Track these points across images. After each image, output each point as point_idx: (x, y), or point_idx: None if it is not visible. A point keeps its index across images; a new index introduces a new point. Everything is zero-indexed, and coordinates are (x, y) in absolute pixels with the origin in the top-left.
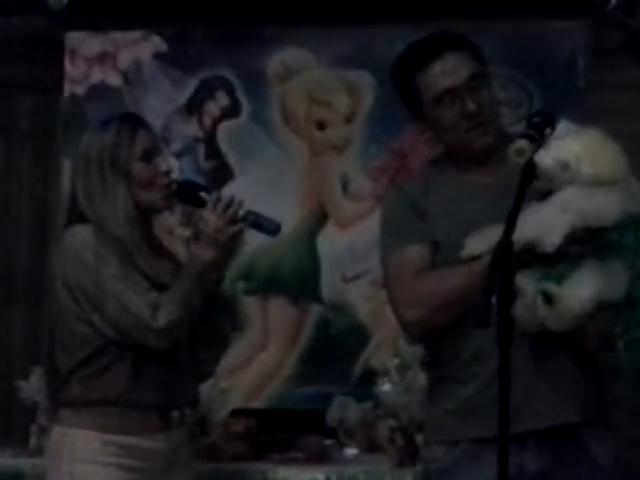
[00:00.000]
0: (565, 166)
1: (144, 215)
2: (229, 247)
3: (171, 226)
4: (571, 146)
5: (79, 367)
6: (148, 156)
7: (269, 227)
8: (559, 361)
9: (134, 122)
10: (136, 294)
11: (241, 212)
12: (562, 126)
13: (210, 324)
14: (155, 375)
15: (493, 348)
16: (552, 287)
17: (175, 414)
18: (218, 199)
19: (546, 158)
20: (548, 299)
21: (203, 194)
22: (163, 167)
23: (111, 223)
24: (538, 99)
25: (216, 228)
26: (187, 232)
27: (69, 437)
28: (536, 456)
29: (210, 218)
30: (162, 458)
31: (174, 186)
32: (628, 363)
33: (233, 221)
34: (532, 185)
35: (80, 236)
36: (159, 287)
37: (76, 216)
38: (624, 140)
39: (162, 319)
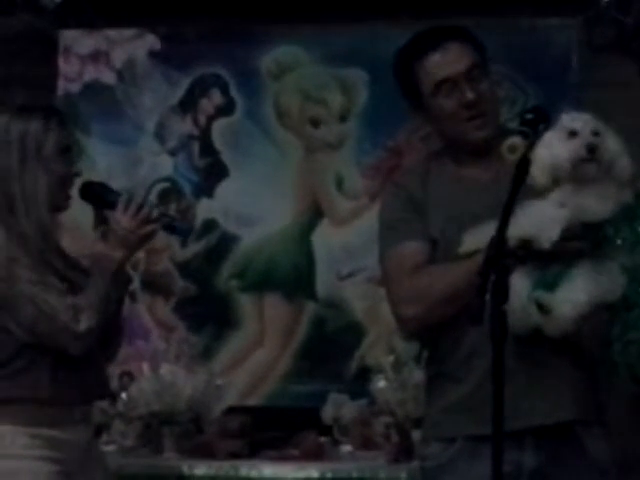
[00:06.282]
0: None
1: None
2: (139, 248)
3: None
4: (611, 142)
5: None
6: (67, 153)
7: (181, 229)
8: (554, 359)
9: (61, 117)
10: (53, 297)
11: (154, 213)
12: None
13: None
14: (72, 372)
15: (489, 345)
16: (545, 296)
17: (90, 407)
18: (129, 200)
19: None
20: (542, 308)
21: (110, 196)
22: (75, 169)
23: (23, 210)
24: (532, 96)
25: (129, 228)
26: None
27: None
28: (533, 454)
29: (122, 219)
30: (81, 450)
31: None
32: (624, 364)
33: (146, 222)
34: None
35: None
36: (73, 288)
37: None
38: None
39: (84, 324)
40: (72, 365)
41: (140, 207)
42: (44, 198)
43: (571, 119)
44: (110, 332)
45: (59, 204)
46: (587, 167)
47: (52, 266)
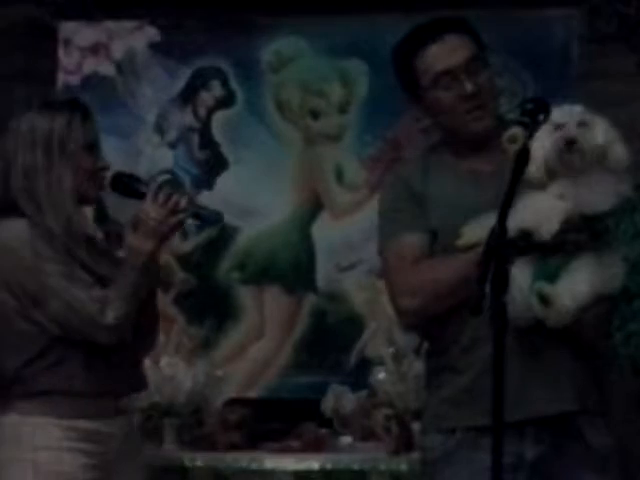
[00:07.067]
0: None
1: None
2: (168, 237)
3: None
4: (601, 131)
5: (27, 365)
6: (92, 148)
7: (210, 217)
8: (555, 350)
9: (85, 111)
10: (80, 290)
11: (183, 203)
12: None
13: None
14: (106, 364)
15: (490, 336)
16: (546, 288)
17: (126, 400)
18: (158, 190)
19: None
20: (544, 300)
21: (140, 186)
22: (101, 162)
23: (49, 207)
24: (532, 87)
25: (159, 219)
26: None
27: (27, 426)
28: (533, 445)
29: (151, 209)
30: (115, 442)
31: (108, 178)
32: (625, 356)
33: (174, 212)
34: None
35: (15, 232)
36: (101, 280)
37: (6, 207)
38: (618, 128)
39: (111, 315)
40: (105, 358)
41: (169, 197)
42: (70, 194)
43: (559, 112)
44: (145, 322)
45: (88, 197)
46: (569, 157)
47: (79, 259)
